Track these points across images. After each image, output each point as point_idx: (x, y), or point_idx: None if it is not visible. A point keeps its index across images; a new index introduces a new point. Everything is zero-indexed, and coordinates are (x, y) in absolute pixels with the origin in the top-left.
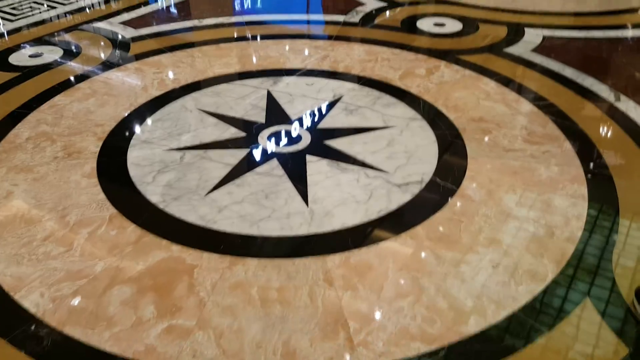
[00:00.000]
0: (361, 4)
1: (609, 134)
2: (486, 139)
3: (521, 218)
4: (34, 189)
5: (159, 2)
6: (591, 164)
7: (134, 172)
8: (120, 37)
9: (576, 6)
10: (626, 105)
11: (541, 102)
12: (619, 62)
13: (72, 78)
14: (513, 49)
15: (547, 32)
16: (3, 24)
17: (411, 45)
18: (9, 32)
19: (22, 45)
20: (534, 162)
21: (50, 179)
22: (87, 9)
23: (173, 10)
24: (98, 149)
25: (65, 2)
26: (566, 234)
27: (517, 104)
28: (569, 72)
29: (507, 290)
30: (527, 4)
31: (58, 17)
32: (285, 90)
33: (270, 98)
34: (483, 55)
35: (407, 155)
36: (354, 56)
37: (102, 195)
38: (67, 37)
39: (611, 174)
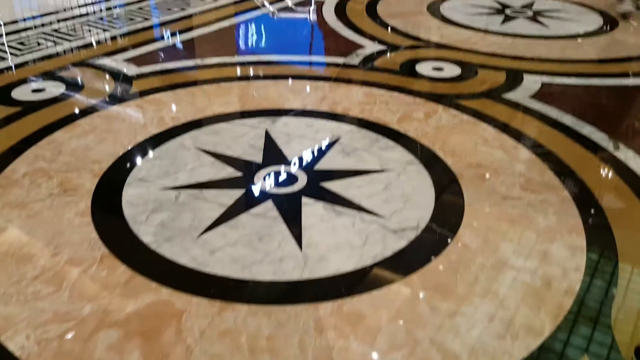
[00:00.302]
0: (361, 47)
1: (607, 184)
2: (483, 185)
3: (518, 268)
4: (28, 226)
5: (165, 40)
6: (590, 214)
7: (128, 210)
8: (123, 74)
9: (575, 53)
10: (625, 154)
11: (539, 150)
12: (618, 110)
13: (73, 114)
14: (511, 95)
15: (546, 79)
16: (9, 58)
17: (410, 88)
18: (15, 66)
19: (26, 79)
20: (531, 211)
21: (45, 216)
22: (92, 45)
23: (177, 48)
24: (94, 187)
25: (72, 37)
26: (564, 286)
27: (515, 151)
28: (567, 119)
29: (503, 345)
30: (525, 50)
31: (64, 52)
32: (284, 130)
33: (268, 138)
34: (481, 101)
35: (403, 200)
36: (352, 98)
37: (94, 234)
38: (71, 72)
39: (610, 224)
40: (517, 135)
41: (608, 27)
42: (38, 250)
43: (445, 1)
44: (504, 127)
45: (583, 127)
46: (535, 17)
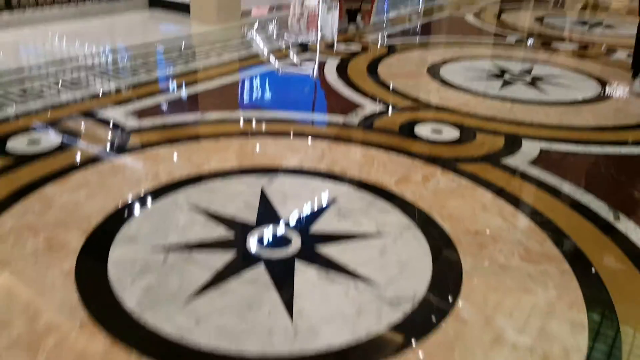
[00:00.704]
0: (361, 107)
1: (608, 256)
2: (482, 253)
3: (518, 346)
4: (9, 285)
5: (167, 94)
6: (590, 288)
7: (113, 272)
8: (121, 126)
9: (573, 119)
10: (626, 225)
11: (538, 218)
12: (618, 179)
13: (66, 167)
14: (510, 160)
15: (545, 145)
16: (8, 107)
17: (408, 150)
18: (12, 117)
19: (22, 130)
20: (531, 283)
21: (27, 274)
22: (93, 96)
23: (178, 102)
24: (81, 245)
25: (73, 87)
26: None
27: (514, 218)
28: (566, 187)
29: None
30: (524, 115)
31: (64, 103)
32: (280, 189)
33: (264, 197)
34: (480, 165)
35: (399, 268)
36: (350, 158)
37: (77, 297)
38: (70, 123)
39: (611, 298)
40: (516, 202)
41: (607, 95)
42: (16, 313)
43: (445, 64)
44: (503, 193)
45: (582, 196)
46: (534, 83)
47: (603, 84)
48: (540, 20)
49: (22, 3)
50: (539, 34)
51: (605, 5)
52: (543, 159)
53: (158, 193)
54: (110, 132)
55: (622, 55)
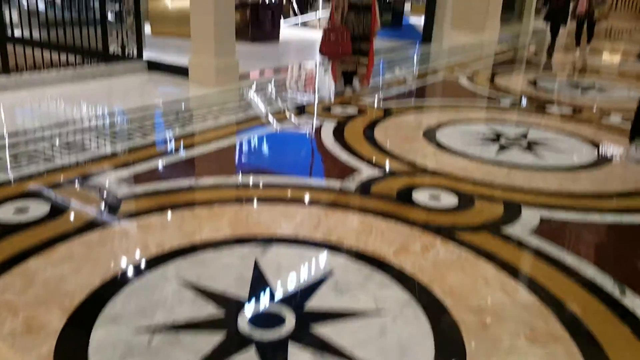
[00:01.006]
0: (357, 171)
1: (616, 336)
2: (486, 335)
3: None
4: None
5: (161, 158)
6: None
7: (94, 358)
8: (113, 193)
9: (572, 186)
10: (632, 301)
11: (542, 293)
12: (622, 250)
13: (52, 238)
14: (510, 230)
15: (545, 213)
16: None
17: (406, 217)
18: (1, 183)
19: (10, 197)
20: None
21: (3, 359)
22: (85, 162)
23: (172, 167)
24: (62, 325)
25: (65, 152)
26: None
27: (517, 294)
28: (569, 259)
29: None
30: (522, 181)
31: (57, 168)
32: (274, 260)
33: (257, 270)
34: (480, 235)
35: (399, 350)
36: (347, 226)
37: None
38: (60, 190)
39: None
40: (519, 276)
41: (604, 160)
42: None
43: (440, 127)
44: (505, 266)
45: (586, 269)
46: (530, 147)
47: (599, 148)
48: (533, 83)
49: (20, 66)
50: (533, 97)
51: (595, 68)
52: (544, 228)
53: (146, 266)
54: (101, 199)
55: (616, 119)
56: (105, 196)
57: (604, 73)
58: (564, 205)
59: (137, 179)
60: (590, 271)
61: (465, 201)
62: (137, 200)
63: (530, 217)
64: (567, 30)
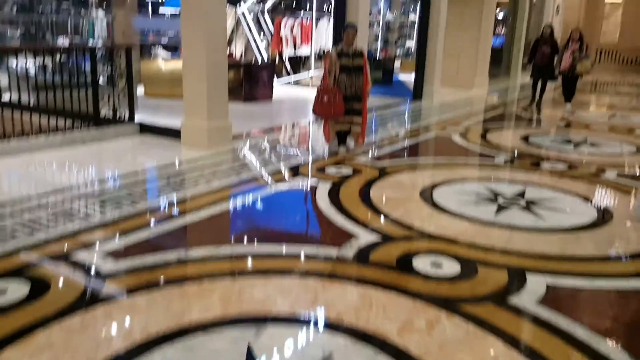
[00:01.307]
0: (355, 237)
1: None
2: None
3: None
4: None
5: (150, 229)
6: None
7: None
8: (97, 270)
9: (575, 249)
10: None
11: None
12: (635, 321)
13: (30, 324)
14: (517, 300)
15: (550, 280)
16: None
17: (408, 288)
18: None
19: None
20: None
21: None
22: (71, 235)
23: (163, 238)
24: None
25: (50, 225)
26: None
27: None
28: (580, 332)
29: None
30: (523, 244)
31: (39, 243)
32: (268, 344)
33: (250, 356)
34: (486, 307)
35: None
36: (346, 300)
37: None
38: (40, 269)
39: None
40: (530, 353)
41: (604, 220)
42: None
43: (436, 187)
44: (514, 342)
45: (599, 343)
46: (529, 207)
47: (598, 207)
48: (525, 139)
49: (7, 133)
50: (526, 154)
51: (585, 123)
52: (550, 297)
53: (130, 354)
54: (84, 277)
55: (612, 175)
56: (89, 274)
57: (594, 128)
58: (569, 271)
59: (124, 252)
60: (604, 347)
61: (468, 268)
62: (122, 277)
63: (535, 285)
64: (554, 85)
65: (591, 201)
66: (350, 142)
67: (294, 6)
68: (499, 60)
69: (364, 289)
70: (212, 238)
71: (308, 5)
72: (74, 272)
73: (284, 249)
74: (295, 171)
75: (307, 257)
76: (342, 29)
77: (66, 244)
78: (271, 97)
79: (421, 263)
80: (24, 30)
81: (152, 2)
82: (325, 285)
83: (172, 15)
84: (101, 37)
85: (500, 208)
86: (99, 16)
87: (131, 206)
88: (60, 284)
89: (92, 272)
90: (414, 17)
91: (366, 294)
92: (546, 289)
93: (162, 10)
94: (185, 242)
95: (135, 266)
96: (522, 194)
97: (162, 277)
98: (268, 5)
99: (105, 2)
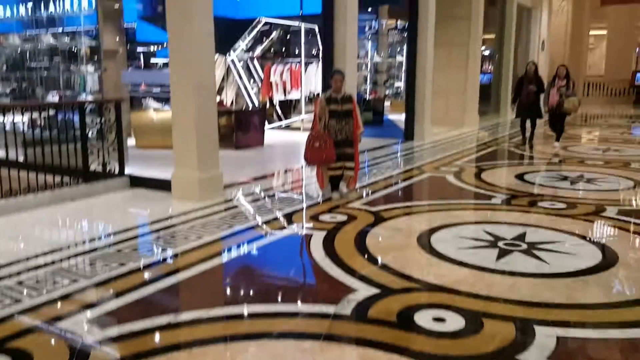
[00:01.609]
0: (353, 291)
1: None
2: None
3: None
4: None
5: (140, 291)
6: None
7: None
8: (80, 343)
9: (583, 296)
10: None
11: None
12: None
13: None
14: (527, 357)
15: (560, 332)
16: None
17: (411, 348)
18: None
19: None
20: None
21: None
22: (53, 302)
23: (150, 301)
24: None
25: (31, 294)
26: None
27: None
28: None
29: None
30: (529, 292)
31: (20, 312)
32: None
33: None
34: None
35: None
36: None
37: None
38: (20, 342)
39: None
40: None
41: (610, 262)
42: None
43: (433, 232)
44: None
45: None
46: (530, 251)
47: (602, 248)
48: (520, 177)
49: None
50: (523, 193)
51: (579, 158)
52: (562, 351)
53: None
54: (68, 350)
55: (612, 212)
56: (72, 346)
57: (589, 163)
58: (579, 322)
59: (111, 318)
60: None
61: (473, 323)
62: (109, 346)
63: (545, 339)
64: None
65: (594, 242)
66: (343, 187)
67: (283, 52)
68: (487, 97)
69: (363, 351)
70: (202, 298)
71: (297, 51)
72: (56, 346)
73: (277, 308)
74: (288, 220)
75: (302, 316)
76: (330, 76)
77: (48, 313)
78: (262, 142)
79: (423, 318)
80: (15, 86)
81: (143, 53)
82: (322, 348)
83: (164, 64)
84: (92, 91)
85: (502, 254)
86: (89, 70)
87: (119, 267)
88: (43, 358)
89: (79, 343)
90: (402, 58)
91: (367, 356)
92: (557, 341)
93: (154, 60)
94: (175, 304)
95: (123, 333)
96: (522, 236)
97: (149, 346)
98: (257, 52)
99: (95, 56)
